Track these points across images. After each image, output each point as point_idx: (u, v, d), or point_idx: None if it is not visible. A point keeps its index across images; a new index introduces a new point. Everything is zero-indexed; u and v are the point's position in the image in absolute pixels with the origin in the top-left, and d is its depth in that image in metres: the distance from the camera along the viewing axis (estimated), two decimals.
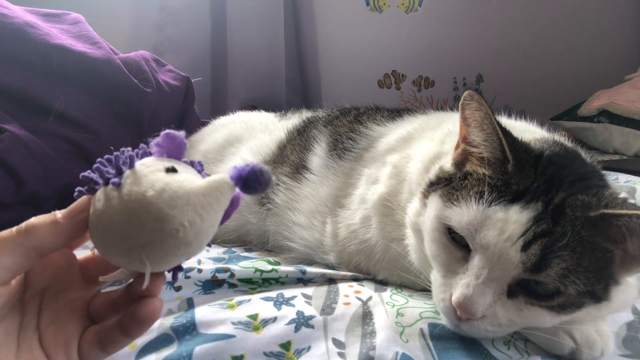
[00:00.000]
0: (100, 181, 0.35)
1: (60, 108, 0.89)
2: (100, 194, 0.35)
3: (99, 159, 0.37)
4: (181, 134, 0.38)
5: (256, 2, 1.72)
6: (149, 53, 1.20)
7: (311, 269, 0.71)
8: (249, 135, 1.04)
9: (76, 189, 0.37)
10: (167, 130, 0.38)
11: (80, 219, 0.35)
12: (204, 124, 1.25)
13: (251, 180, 0.36)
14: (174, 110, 1.22)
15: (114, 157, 0.36)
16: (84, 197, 0.36)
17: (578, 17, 2.09)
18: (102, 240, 0.34)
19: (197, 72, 1.60)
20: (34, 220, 0.34)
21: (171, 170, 0.36)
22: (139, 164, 0.36)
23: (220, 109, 1.60)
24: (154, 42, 1.67)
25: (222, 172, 0.38)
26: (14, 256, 0.33)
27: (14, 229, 0.33)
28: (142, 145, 0.38)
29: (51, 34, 0.94)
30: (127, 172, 0.35)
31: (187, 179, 0.36)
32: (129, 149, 0.37)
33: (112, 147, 0.41)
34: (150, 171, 0.36)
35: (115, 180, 0.35)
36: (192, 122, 1.27)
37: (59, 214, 0.35)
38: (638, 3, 2.13)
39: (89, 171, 0.36)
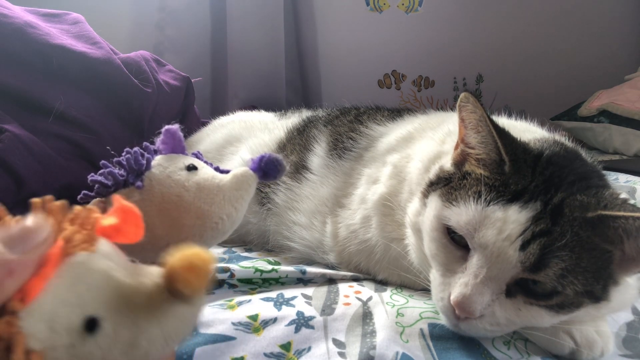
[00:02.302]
0: (110, 184, 0.35)
1: (60, 108, 0.89)
2: (122, 195, 0.35)
3: (103, 162, 0.37)
4: (176, 127, 0.40)
5: (256, 2, 1.72)
6: (149, 53, 1.20)
7: (311, 269, 0.71)
8: (248, 134, 1.04)
9: (82, 192, 0.37)
10: (166, 127, 0.39)
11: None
12: (204, 124, 1.25)
13: (270, 169, 0.40)
14: (174, 110, 1.22)
15: (125, 160, 0.36)
16: (96, 201, 0.36)
17: (578, 17, 2.08)
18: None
19: (197, 72, 1.60)
20: None
21: (192, 168, 0.38)
22: (155, 165, 0.37)
23: (220, 109, 1.60)
24: (154, 42, 1.67)
25: (239, 166, 0.41)
26: None
27: None
28: (145, 144, 0.39)
29: (51, 34, 0.94)
30: (148, 174, 0.36)
31: (214, 175, 0.38)
32: (136, 149, 0.38)
33: (109, 147, 0.42)
34: (171, 171, 0.37)
35: (139, 183, 0.36)
36: (192, 122, 1.27)
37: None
38: (638, 3, 2.13)
39: (96, 173, 0.36)
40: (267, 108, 1.34)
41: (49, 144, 0.85)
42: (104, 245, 0.26)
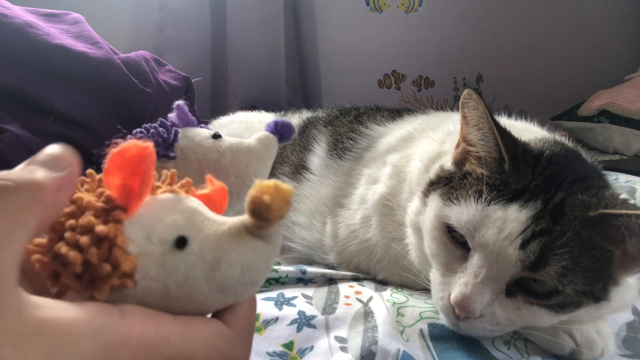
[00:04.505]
0: None
1: (60, 108, 0.89)
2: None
3: (138, 129, 0.38)
4: (182, 102, 0.43)
5: (256, 3, 1.71)
6: (149, 53, 1.20)
7: (311, 269, 0.71)
8: (248, 135, 1.04)
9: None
10: (177, 103, 0.42)
11: None
12: (204, 124, 1.25)
13: (285, 132, 0.45)
14: None
15: (151, 134, 0.38)
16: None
17: (578, 17, 2.09)
18: None
19: (197, 72, 1.60)
20: None
21: (218, 136, 0.42)
22: (180, 137, 0.40)
23: (220, 109, 1.60)
24: (154, 42, 1.66)
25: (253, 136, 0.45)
26: None
27: None
28: (161, 119, 0.41)
29: (51, 34, 0.93)
30: (177, 145, 0.39)
31: (240, 140, 0.42)
32: (158, 122, 0.39)
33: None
34: (200, 139, 0.41)
35: (172, 154, 0.38)
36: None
37: None
38: (638, 3, 2.13)
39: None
40: (267, 108, 1.34)
41: (49, 144, 0.85)
42: (193, 198, 0.30)
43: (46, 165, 0.25)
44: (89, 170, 0.28)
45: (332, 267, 0.78)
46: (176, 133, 0.40)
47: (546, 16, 2.07)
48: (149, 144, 0.26)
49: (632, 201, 0.53)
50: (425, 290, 0.62)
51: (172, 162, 0.38)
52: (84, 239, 0.24)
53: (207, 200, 0.31)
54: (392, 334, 0.52)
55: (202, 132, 0.41)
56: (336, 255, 0.78)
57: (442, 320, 0.55)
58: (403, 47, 2.00)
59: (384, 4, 1.95)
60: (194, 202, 0.29)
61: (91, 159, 0.96)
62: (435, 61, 2.03)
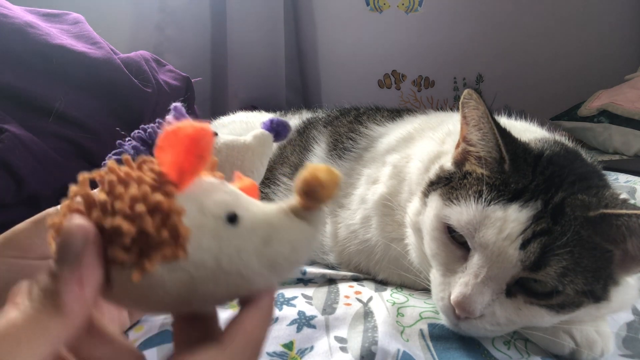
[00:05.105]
0: (134, 158, 0.38)
1: (60, 108, 0.89)
2: None
3: (119, 142, 0.38)
4: (180, 104, 0.44)
5: (256, 2, 1.72)
6: (149, 53, 1.20)
7: (311, 269, 0.71)
8: None
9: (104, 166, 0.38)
10: (174, 104, 0.42)
11: None
12: None
13: (281, 129, 0.45)
14: None
15: (147, 134, 0.39)
16: None
17: (578, 17, 2.09)
18: None
19: (197, 72, 1.60)
20: None
21: (214, 134, 0.42)
22: None
23: (220, 109, 1.60)
24: (154, 42, 1.66)
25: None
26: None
27: (59, 206, 0.29)
28: (159, 120, 0.42)
29: (51, 34, 0.93)
30: None
31: (236, 137, 0.43)
32: (153, 124, 0.40)
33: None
34: None
35: None
36: None
37: None
38: (638, 3, 2.13)
39: (114, 153, 0.38)
40: (267, 108, 1.34)
41: (49, 144, 0.85)
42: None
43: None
44: (125, 157, 0.28)
45: (332, 267, 0.78)
46: None
47: (546, 16, 2.07)
48: (206, 125, 0.26)
49: (632, 201, 0.53)
50: (425, 290, 0.62)
51: None
52: (139, 207, 0.23)
53: None
54: (392, 334, 0.52)
55: None
56: (336, 256, 0.78)
57: (442, 320, 0.55)
58: (403, 47, 2.00)
59: (384, 4, 1.95)
60: (235, 187, 0.30)
61: (91, 159, 0.95)
62: (435, 61, 2.03)
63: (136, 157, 0.38)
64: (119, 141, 0.40)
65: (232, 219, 0.26)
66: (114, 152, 0.39)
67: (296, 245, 0.27)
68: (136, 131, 0.40)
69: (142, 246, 0.24)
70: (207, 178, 0.28)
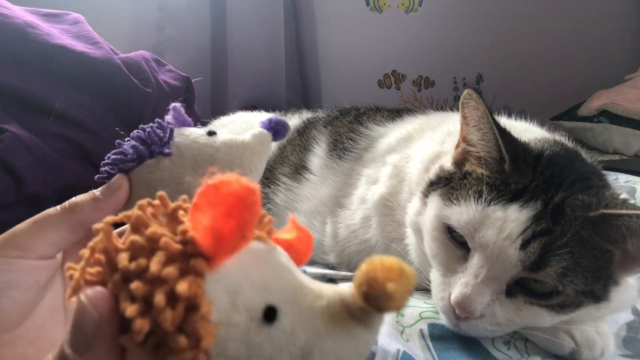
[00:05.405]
0: (134, 158, 0.38)
1: (60, 108, 0.89)
2: (148, 166, 0.38)
3: (118, 141, 0.39)
4: (179, 104, 0.44)
5: (256, 2, 1.71)
6: (149, 53, 1.20)
7: (311, 269, 0.71)
8: None
9: (102, 169, 0.39)
10: (173, 104, 0.43)
11: (118, 194, 0.37)
12: (204, 124, 1.25)
13: (279, 128, 0.45)
14: None
15: (147, 133, 0.39)
16: (119, 175, 0.38)
17: (578, 17, 2.09)
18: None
19: (197, 72, 1.60)
20: (75, 198, 0.36)
21: (212, 133, 0.42)
22: (175, 135, 0.41)
23: (220, 109, 1.60)
24: (154, 42, 1.66)
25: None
26: (60, 231, 0.34)
27: (59, 207, 0.35)
28: (158, 120, 0.42)
29: (51, 34, 0.93)
30: (172, 142, 0.40)
31: (234, 136, 0.42)
32: (152, 123, 0.40)
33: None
34: (195, 137, 0.41)
35: (168, 150, 0.39)
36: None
37: (97, 192, 0.37)
38: (638, 3, 2.13)
39: (113, 153, 0.38)
40: (267, 108, 1.34)
41: (49, 144, 0.85)
42: (281, 250, 0.26)
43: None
44: (160, 193, 0.24)
45: (332, 267, 0.78)
46: (171, 131, 0.41)
47: (546, 16, 2.07)
48: (256, 186, 0.21)
49: (632, 201, 0.53)
50: (425, 290, 0.62)
51: (168, 158, 0.39)
52: (159, 299, 0.19)
53: (289, 248, 0.26)
54: (392, 334, 0.52)
55: (197, 130, 0.43)
56: (336, 256, 0.78)
57: (442, 320, 0.55)
58: (403, 47, 2.00)
59: (384, 4, 1.95)
60: (284, 257, 0.24)
61: (91, 159, 0.96)
62: (435, 61, 2.03)
63: (136, 157, 0.38)
64: (118, 141, 0.40)
65: (271, 316, 0.21)
66: (113, 152, 0.39)
67: (343, 357, 0.22)
68: (135, 131, 0.40)
69: (159, 341, 0.20)
70: (253, 244, 0.23)
